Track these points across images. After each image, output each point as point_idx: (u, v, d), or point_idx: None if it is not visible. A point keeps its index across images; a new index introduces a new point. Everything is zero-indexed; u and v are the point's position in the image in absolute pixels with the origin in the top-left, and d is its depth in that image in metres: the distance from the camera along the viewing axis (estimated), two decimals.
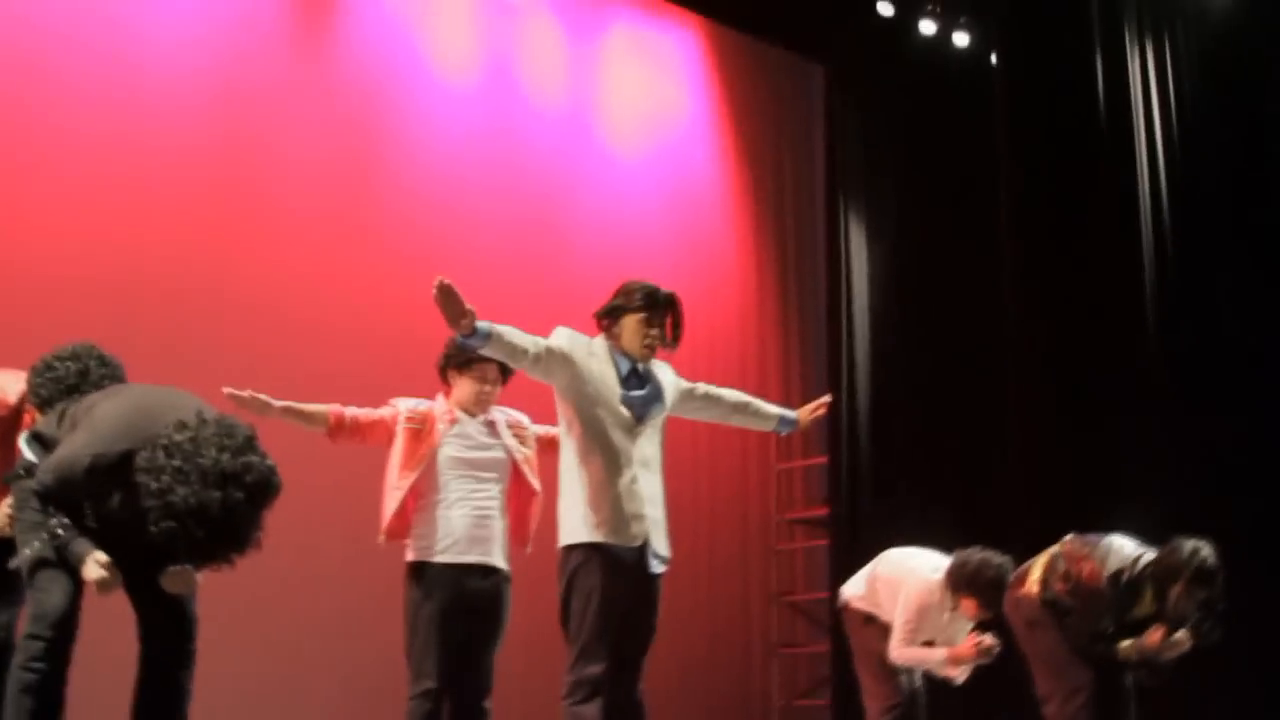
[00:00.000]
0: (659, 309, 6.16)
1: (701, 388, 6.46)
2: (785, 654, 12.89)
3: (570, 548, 5.91)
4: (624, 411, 5.99)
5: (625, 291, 6.19)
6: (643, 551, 5.95)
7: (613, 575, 5.86)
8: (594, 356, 6.02)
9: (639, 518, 5.93)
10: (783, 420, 6.61)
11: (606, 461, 5.91)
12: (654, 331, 6.12)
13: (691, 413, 6.46)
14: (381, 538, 6.65)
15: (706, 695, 11.98)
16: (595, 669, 5.82)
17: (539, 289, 10.92)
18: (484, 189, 11.32)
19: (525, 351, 5.82)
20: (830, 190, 13.01)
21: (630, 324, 6.09)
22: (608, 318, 6.16)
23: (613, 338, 6.12)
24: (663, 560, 6.04)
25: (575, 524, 5.92)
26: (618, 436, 5.95)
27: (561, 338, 5.99)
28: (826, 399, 6.82)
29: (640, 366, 6.09)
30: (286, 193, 10.21)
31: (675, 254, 12.38)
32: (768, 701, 12.75)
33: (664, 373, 6.27)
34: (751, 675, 12.70)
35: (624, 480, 5.91)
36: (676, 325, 6.22)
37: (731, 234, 13.14)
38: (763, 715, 12.71)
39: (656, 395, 6.13)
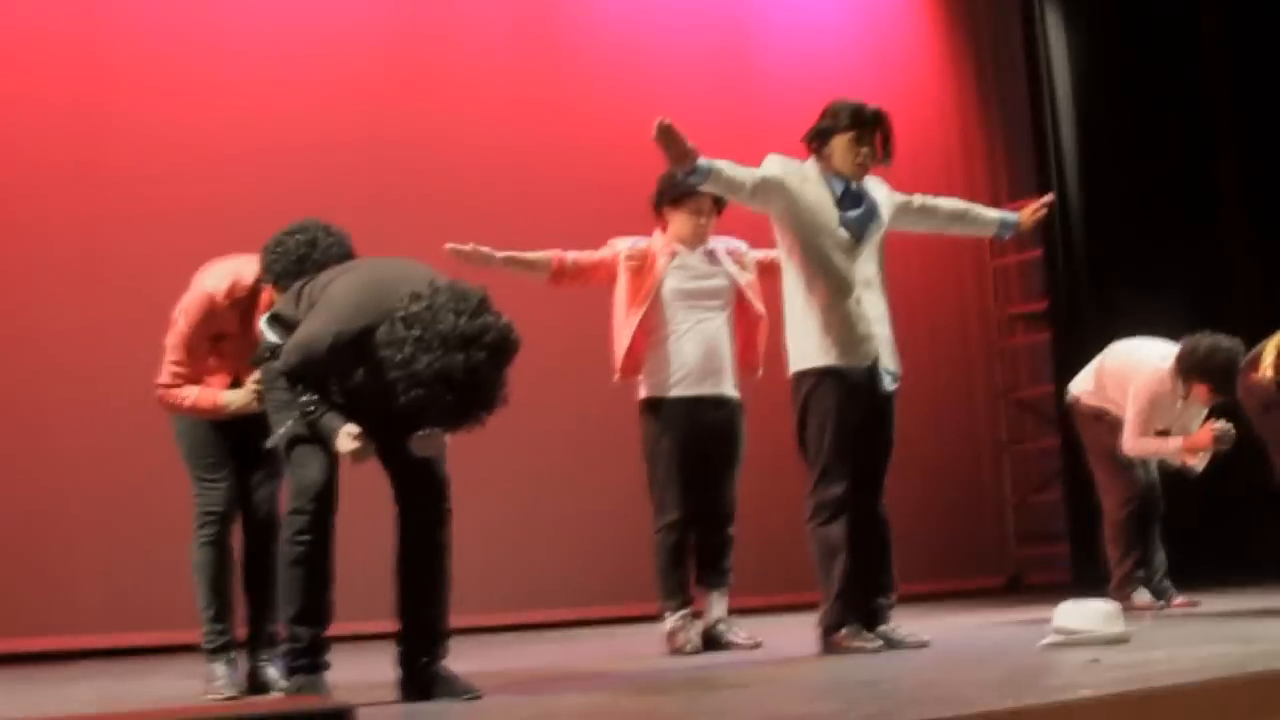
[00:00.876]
0: (868, 126, 6.12)
1: (918, 199, 6.41)
2: (1015, 450, 12.90)
3: (802, 373, 5.98)
4: (843, 233, 6.00)
5: (831, 113, 6.16)
6: (873, 370, 6.00)
7: (847, 397, 5.93)
8: (808, 181, 6.03)
9: (868, 337, 5.99)
10: (1003, 224, 6.50)
11: (830, 285, 5.95)
12: (865, 150, 6.09)
13: (910, 225, 6.42)
14: (616, 376, 6.77)
15: (940, 497, 12.01)
16: (837, 489, 5.93)
17: (732, 114, 10.90)
18: (675, 14, 11.30)
19: (743, 185, 5.88)
20: None
21: (840, 144, 6.07)
22: (816, 140, 6.13)
23: (823, 160, 6.10)
24: (894, 377, 6.09)
25: (805, 349, 5.99)
26: (839, 259, 5.98)
27: (774, 166, 6.01)
28: (1049, 198, 6.72)
29: (854, 186, 6.09)
30: (475, 49, 10.31)
31: (869, 65, 12.25)
32: (1000, 498, 12.80)
33: (878, 189, 6.25)
34: (983, 473, 12.75)
35: (849, 302, 5.95)
36: (887, 141, 6.17)
37: (926, 38, 12.94)
38: (997, 512, 12.76)
39: (873, 213, 6.12)
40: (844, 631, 5.87)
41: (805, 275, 5.99)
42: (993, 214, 6.59)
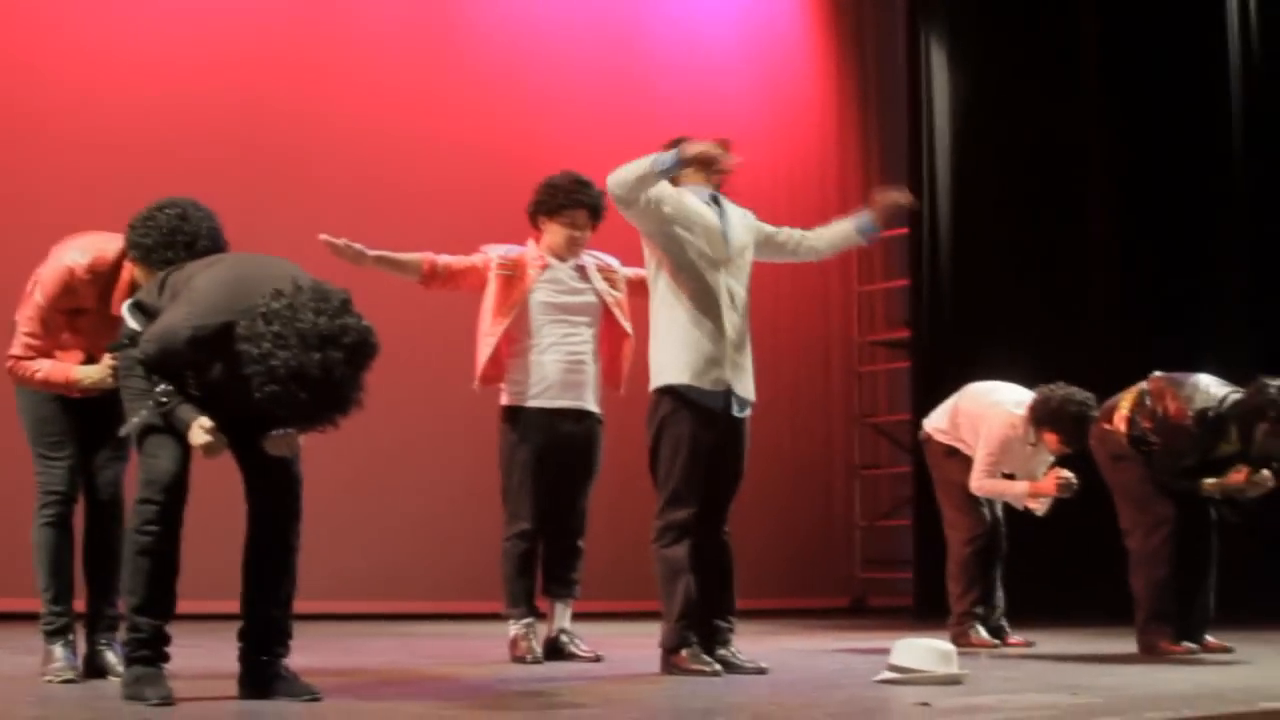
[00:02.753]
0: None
1: (783, 232, 6.38)
2: (867, 475, 13.05)
3: (660, 393, 5.99)
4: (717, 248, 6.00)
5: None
6: (729, 396, 6.03)
7: (700, 422, 5.96)
8: (684, 193, 6.04)
9: (723, 361, 5.98)
10: (860, 229, 6.34)
11: (695, 303, 5.96)
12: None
13: (772, 255, 6.37)
14: (476, 384, 6.78)
15: (789, 516, 12.16)
16: (684, 513, 5.96)
17: (620, 128, 10.97)
18: (565, 27, 11.37)
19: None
20: (911, 15, 12.82)
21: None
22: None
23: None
24: (747, 404, 6.12)
25: (663, 366, 6.00)
26: (710, 274, 5.97)
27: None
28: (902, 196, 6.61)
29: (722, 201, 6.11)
30: (372, 46, 10.33)
31: (755, 84, 12.39)
32: (850, 521, 12.94)
33: (745, 215, 6.27)
34: (834, 495, 12.90)
35: (710, 324, 5.96)
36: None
37: (813, 66, 13.08)
38: (845, 535, 12.91)
39: (740, 232, 6.14)
40: (684, 653, 5.91)
41: (671, 290, 6.01)
42: (845, 224, 6.42)
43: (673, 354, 5.97)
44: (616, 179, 5.82)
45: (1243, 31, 11.54)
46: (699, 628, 5.99)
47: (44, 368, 5.34)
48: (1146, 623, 7.31)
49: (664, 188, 5.91)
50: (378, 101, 10.26)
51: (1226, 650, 7.23)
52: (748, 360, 6.11)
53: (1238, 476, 7.14)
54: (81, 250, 5.38)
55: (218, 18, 9.76)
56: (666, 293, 6.01)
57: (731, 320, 6.00)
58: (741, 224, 6.16)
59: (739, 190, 6.26)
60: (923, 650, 5.69)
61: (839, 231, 6.43)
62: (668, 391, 5.98)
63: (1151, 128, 11.55)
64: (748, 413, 6.13)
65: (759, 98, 12.38)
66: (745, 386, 6.08)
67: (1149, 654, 7.23)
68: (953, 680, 5.56)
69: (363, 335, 4.43)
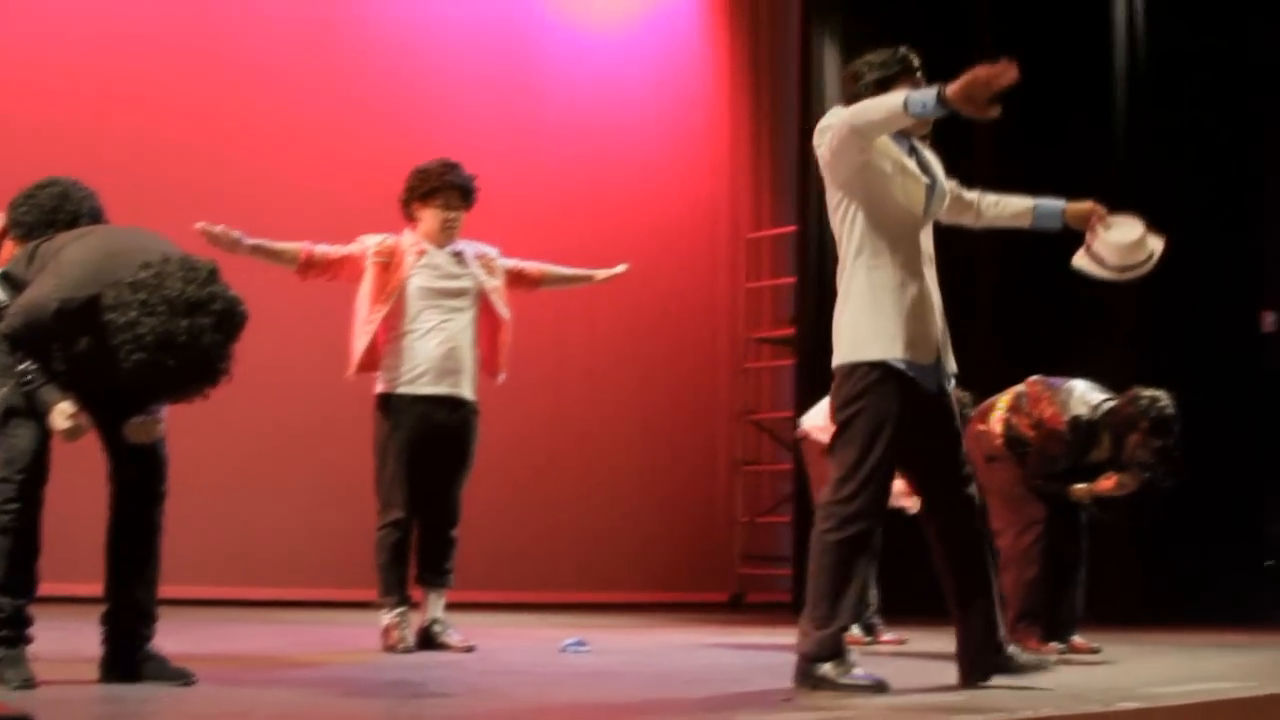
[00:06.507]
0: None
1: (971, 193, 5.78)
2: (749, 471, 13.10)
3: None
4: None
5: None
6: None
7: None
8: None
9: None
10: (1040, 214, 5.65)
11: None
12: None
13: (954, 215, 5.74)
14: (352, 371, 6.77)
15: (672, 510, 12.20)
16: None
17: (510, 129, 11.04)
18: (455, 28, 11.39)
19: None
20: (805, 11, 12.87)
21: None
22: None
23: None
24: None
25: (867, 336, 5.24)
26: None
27: None
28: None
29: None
30: (254, 41, 10.33)
31: (647, 86, 12.43)
32: (731, 517, 12.98)
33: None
34: (716, 492, 12.93)
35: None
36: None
37: (709, 69, 13.13)
38: (726, 530, 12.95)
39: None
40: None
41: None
42: (1024, 204, 5.69)
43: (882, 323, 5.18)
44: (861, 112, 5.05)
45: (1129, 31, 11.70)
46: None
47: None
48: (1015, 622, 7.37)
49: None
50: (264, 100, 10.27)
51: (1093, 651, 7.33)
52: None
53: (1107, 483, 7.24)
54: None
55: (106, 4, 9.69)
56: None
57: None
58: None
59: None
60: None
61: (1016, 210, 5.68)
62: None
63: (1039, 124, 11.65)
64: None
65: (653, 95, 12.42)
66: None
67: None
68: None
69: (230, 304, 4.41)
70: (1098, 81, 11.71)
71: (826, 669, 5.00)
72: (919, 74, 5.33)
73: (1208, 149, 11.62)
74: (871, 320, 5.14)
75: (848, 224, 5.21)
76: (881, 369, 5.09)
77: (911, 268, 5.19)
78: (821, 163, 5.22)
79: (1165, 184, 11.38)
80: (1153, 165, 11.53)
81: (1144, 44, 11.75)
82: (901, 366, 5.09)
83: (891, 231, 5.17)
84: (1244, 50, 11.87)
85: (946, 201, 5.40)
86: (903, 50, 5.35)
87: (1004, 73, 4.86)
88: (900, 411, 5.07)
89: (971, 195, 5.67)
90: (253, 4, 10.40)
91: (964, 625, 5.31)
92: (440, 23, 11.28)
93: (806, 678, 5.03)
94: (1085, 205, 5.58)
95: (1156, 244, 5.67)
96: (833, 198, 5.25)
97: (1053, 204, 5.59)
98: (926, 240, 5.29)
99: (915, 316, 5.15)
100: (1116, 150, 11.65)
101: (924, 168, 5.32)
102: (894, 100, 4.97)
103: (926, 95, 4.90)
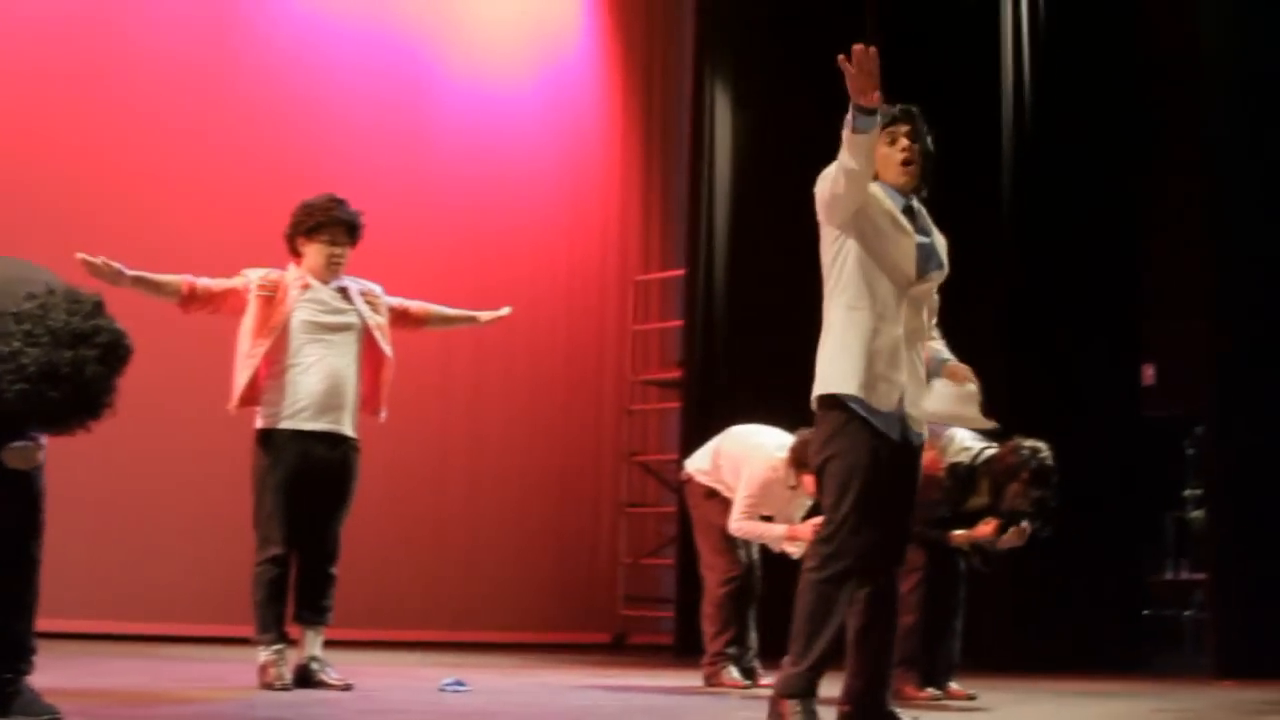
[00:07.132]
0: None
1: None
2: (633, 512, 13.12)
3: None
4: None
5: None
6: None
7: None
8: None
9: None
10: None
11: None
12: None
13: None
14: (233, 405, 6.70)
15: (555, 551, 12.20)
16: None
17: (400, 171, 11.03)
18: (341, 48, 11.38)
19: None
20: (698, 54, 12.95)
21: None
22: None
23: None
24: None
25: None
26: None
27: None
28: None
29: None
30: (143, 77, 10.30)
31: (538, 128, 12.49)
32: (615, 558, 12.99)
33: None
34: (600, 533, 12.93)
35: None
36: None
37: (601, 113, 13.20)
38: (610, 571, 12.96)
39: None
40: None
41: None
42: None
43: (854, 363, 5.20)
44: (841, 152, 5.19)
45: (1016, 85, 11.86)
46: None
47: None
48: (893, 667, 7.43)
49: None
50: (150, 137, 10.22)
51: (970, 698, 7.39)
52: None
53: (986, 529, 7.32)
54: None
55: None
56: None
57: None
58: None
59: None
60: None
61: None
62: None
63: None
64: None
65: (544, 136, 12.48)
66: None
67: (894, 698, 7.34)
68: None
69: (116, 337, 4.37)
70: (986, 132, 11.83)
71: (790, 705, 5.10)
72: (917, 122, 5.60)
73: (1096, 203, 11.79)
74: (838, 356, 5.18)
75: (838, 263, 5.27)
76: (848, 411, 5.11)
77: (889, 319, 5.19)
78: (818, 202, 5.29)
79: (1050, 237, 11.57)
80: (1037, 197, 11.70)
81: (1030, 101, 11.92)
82: (855, 405, 5.10)
83: (877, 281, 5.21)
84: (1134, 100, 12.10)
85: (945, 271, 5.40)
86: (901, 106, 5.58)
87: (857, 57, 5.10)
88: (872, 454, 5.09)
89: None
90: (142, 39, 10.31)
91: (856, 671, 5.34)
92: (332, 66, 11.28)
93: (771, 714, 5.14)
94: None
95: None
96: (828, 235, 5.31)
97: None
98: (921, 304, 5.31)
99: (881, 362, 5.14)
100: (1001, 180, 11.80)
101: (922, 230, 5.36)
102: (846, 131, 5.14)
103: (851, 114, 5.12)
